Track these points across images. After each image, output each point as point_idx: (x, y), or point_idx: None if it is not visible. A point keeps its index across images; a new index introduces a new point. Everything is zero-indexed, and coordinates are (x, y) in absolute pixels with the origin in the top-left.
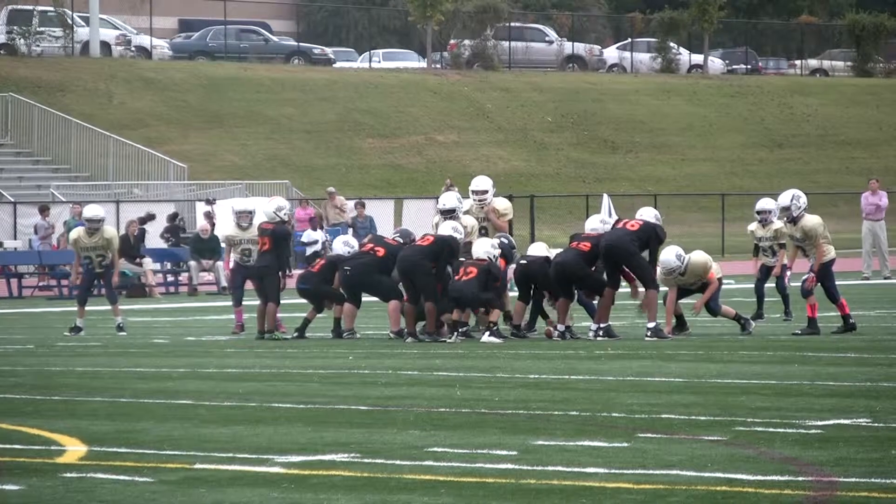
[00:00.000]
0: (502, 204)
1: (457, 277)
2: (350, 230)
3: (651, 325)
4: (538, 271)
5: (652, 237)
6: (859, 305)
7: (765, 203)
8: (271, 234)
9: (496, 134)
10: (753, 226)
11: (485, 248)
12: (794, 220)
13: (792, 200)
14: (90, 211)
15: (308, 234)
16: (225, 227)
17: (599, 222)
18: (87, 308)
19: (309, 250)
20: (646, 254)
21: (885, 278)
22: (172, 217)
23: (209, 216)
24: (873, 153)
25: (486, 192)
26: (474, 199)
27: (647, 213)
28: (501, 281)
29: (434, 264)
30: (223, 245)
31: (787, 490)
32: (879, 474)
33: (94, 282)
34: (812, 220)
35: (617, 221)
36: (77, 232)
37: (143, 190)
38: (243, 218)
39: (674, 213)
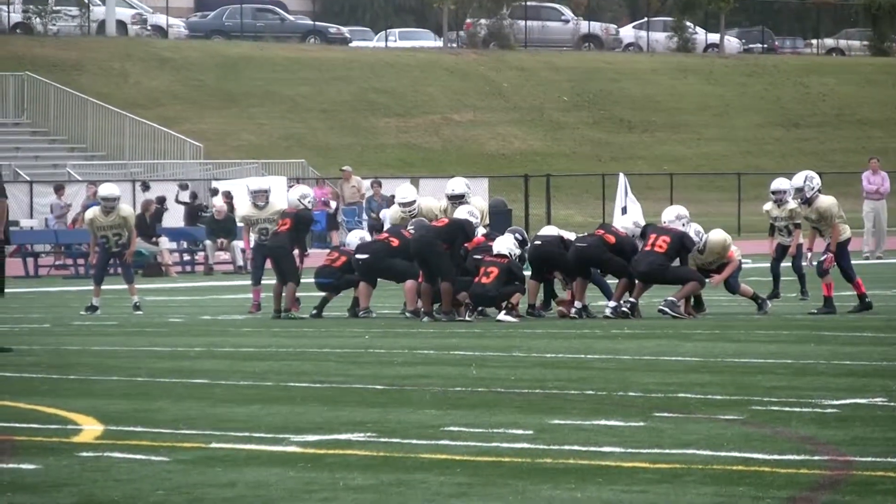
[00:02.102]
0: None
1: (476, 279)
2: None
3: (670, 298)
4: (552, 251)
5: (681, 250)
6: (876, 285)
7: (780, 183)
8: (294, 217)
9: (512, 113)
10: (768, 206)
11: (507, 244)
12: (808, 202)
13: (805, 181)
14: (106, 189)
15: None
16: (241, 208)
17: (632, 223)
18: (102, 287)
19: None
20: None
21: (878, 258)
22: (192, 196)
23: (228, 196)
24: (889, 132)
25: (413, 202)
26: (401, 210)
27: (671, 215)
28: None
29: (448, 246)
30: (240, 225)
31: (803, 469)
32: (895, 454)
33: (109, 261)
34: (826, 201)
35: (647, 238)
36: (93, 211)
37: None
38: (259, 197)
39: (690, 193)
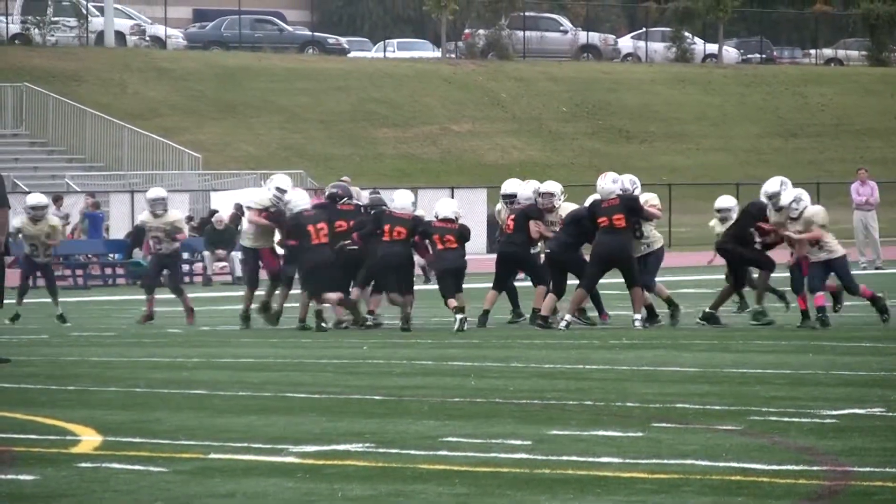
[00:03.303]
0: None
1: (440, 247)
2: None
3: (709, 310)
4: (567, 258)
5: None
6: None
7: (724, 201)
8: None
9: (511, 124)
10: (713, 222)
11: (452, 207)
12: (795, 218)
13: (792, 203)
14: (34, 199)
15: None
16: (140, 214)
17: (611, 182)
18: (98, 297)
19: None
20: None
21: (877, 268)
22: (211, 214)
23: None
24: (888, 142)
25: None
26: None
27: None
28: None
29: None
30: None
31: (802, 479)
32: (894, 464)
33: (36, 271)
34: (812, 209)
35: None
36: (20, 220)
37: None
38: (157, 205)
39: (688, 203)
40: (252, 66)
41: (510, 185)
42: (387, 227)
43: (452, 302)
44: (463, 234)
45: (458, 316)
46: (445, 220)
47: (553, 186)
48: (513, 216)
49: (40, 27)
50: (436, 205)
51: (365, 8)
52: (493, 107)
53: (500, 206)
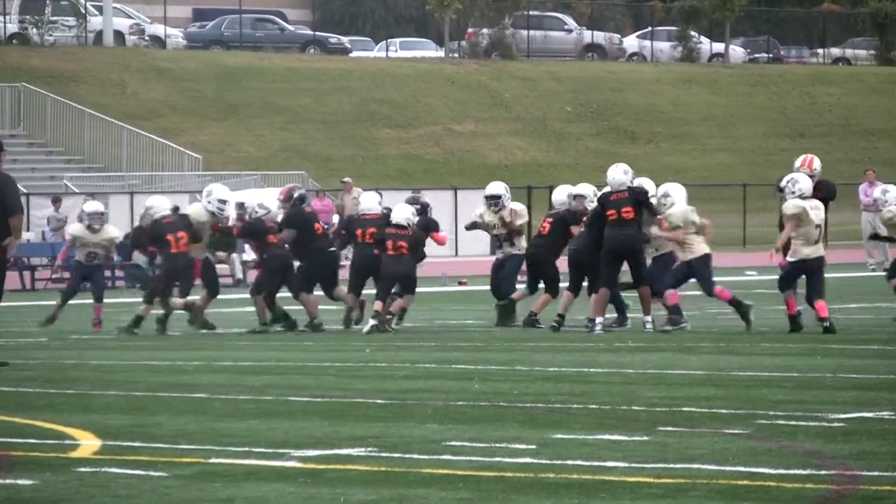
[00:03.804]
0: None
1: (389, 251)
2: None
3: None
4: (591, 260)
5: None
6: (883, 297)
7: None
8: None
9: (514, 124)
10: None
11: (405, 214)
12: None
13: (660, 198)
14: None
15: None
16: (72, 227)
17: (623, 173)
18: (102, 301)
19: None
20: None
21: (885, 270)
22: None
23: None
24: None
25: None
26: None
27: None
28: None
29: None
30: (68, 242)
31: (809, 484)
32: None
33: None
34: (677, 209)
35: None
36: None
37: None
38: (95, 220)
39: (694, 204)
40: (253, 65)
41: (494, 187)
42: (359, 232)
43: (349, 298)
44: (418, 242)
45: (370, 322)
46: (398, 226)
47: (586, 189)
48: (550, 219)
49: (38, 27)
50: (394, 211)
51: (367, 7)
52: (496, 107)
53: (482, 209)
